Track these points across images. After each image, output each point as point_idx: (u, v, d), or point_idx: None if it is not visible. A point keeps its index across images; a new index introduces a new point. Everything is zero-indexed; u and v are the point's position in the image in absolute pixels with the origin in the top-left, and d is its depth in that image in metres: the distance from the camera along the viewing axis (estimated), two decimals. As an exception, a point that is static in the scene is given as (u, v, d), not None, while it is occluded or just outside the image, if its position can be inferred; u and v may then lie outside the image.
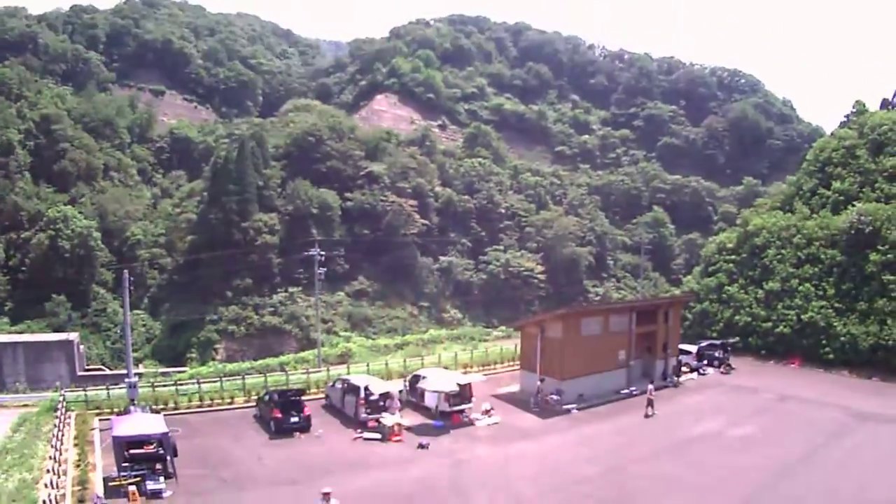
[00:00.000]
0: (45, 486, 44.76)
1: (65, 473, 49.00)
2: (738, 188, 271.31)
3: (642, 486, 51.02)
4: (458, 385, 69.52)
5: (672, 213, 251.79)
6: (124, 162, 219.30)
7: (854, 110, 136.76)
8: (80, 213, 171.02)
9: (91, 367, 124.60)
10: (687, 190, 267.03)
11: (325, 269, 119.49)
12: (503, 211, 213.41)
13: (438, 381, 70.25)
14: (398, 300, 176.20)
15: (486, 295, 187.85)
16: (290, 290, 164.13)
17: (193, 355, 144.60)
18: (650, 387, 74.28)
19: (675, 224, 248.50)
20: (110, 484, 47.24)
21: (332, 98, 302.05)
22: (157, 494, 46.80)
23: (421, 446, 59.84)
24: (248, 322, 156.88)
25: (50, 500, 40.89)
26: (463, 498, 48.89)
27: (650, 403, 71.51)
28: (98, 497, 44.42)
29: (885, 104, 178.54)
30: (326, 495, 38.09)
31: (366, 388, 67.52)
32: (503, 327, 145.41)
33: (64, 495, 44.48)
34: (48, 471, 46.43)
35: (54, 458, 49.50)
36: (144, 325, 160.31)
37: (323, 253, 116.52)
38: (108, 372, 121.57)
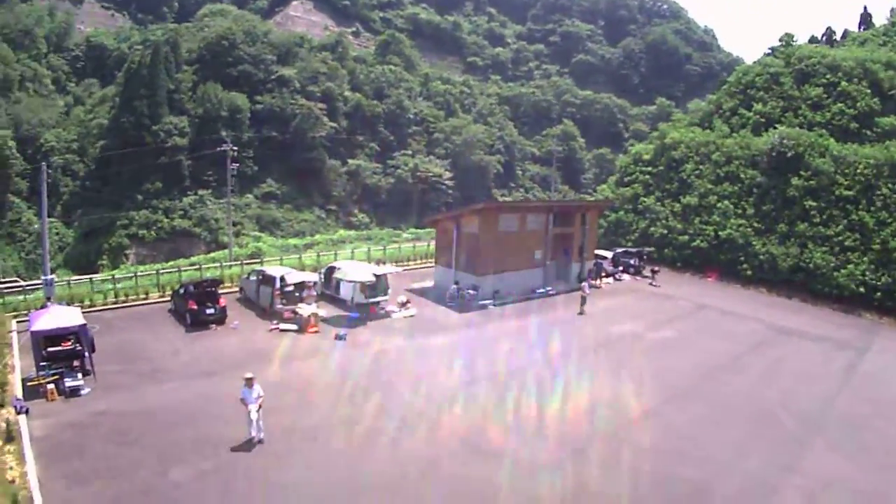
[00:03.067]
0: (-37, 392, 43.58)
1: None
2: (651, 108, 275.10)
3: (564, 381, 52.26)
4: (375, 276, 70.40)
5: (583, 129, 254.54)
6: (40, 72, 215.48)
7: (779, 45, 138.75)
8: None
9: (6, 279, 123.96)
10: (598, 106, 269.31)
11: (237, 164, 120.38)
12: (412, 116, 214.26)
13: (354, 272, 70.76)
14: (306, 203, 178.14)
15: (394, 199, 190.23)
16: (200, 192, 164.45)
17: (105, 262, 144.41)
18: (584, 284, 76.85)
19: (586, 139, 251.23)
20: (28, 384, 47.33)
21: (247, 4, 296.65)
22: (75, 392, 46.64)
23: (338, 337, 60.74)
24: (159, 226, 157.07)
25: None
26: (384, 386, 50.03)
27: (583, 301, 74.04)
28: (18, 399, 44.52)
29: (813, 41, 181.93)
30: (250, 380, 39.19)
31: (282, 279, 68.04)
32: (413, 229, 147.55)
33: None
34: None
35: None
36: (58, 234, 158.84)
37: (235, 148, 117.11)
38: (24, 284, 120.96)
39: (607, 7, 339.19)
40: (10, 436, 39.68)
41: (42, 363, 48.22)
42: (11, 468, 36.38)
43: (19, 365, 52.04)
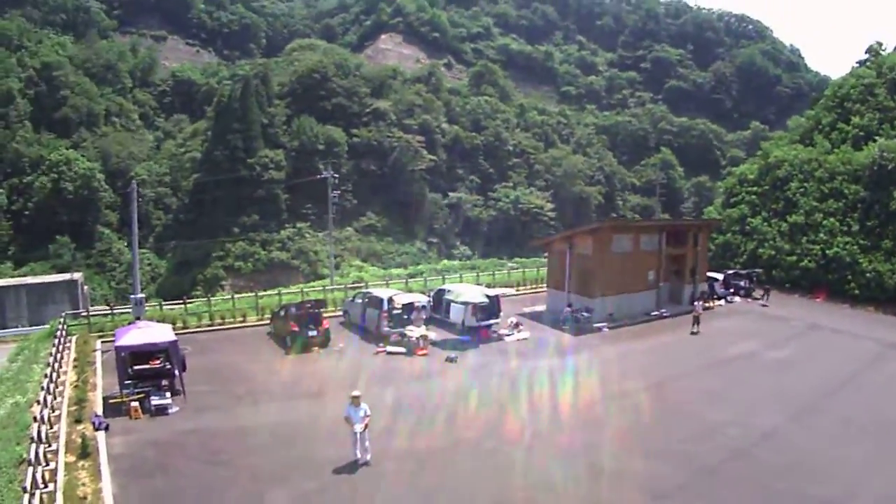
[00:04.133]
0: (38, 403, 41.76)
1: (61, 395, 46.24)
2: (746, 133, 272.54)
3: (686, 399, 49.89)
4: (487, 297, 67.15)
5: (680, 156, 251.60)
6: (126, 107, 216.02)
7: (868, 56, 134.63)
8: (82, 156, 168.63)
9: (96, 307, 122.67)
10: (694, 133, 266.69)
11: (338, 191, 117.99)
12: (511, 148, 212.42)
13: (466, 293, 67.97)
14: (407, 236, 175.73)
15: (495, 232, 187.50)
16: (298, 225, 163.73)
17: (199, 292, 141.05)
18: (697, 304, 73.91)
19: (684, 167, 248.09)
20: (111, 402, 44.80)
21: (336, 39, 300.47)
22: (162, 410, 43.96)
23: (449, 360, 57.64)
24: (256, 258, 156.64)
25: (42, 420, 37.83)
26: (501, 408, 46.99)
27: (696, 321, 70.78)
28: (97, 416, 41.99)
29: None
30: (356, 398, 36.48)
31: (389, 300, 64.85)
32: (517, 259, 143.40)
33: (59, 416, 42.13)
34: (42, 388, 42.79)
35: (50, 377, 45.75)
36: (150, 264, 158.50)
37: (336, 175, 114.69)
38: (113, 308, 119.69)
39: (694, 30, 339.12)
40: (86, 451, 37.47)
41: (127, 381, 45.40)
42: (84, 484, 34.22)
43: (101, 383, 49.88)
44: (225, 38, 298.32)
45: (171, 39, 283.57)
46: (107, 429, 40.36)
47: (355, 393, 36.92)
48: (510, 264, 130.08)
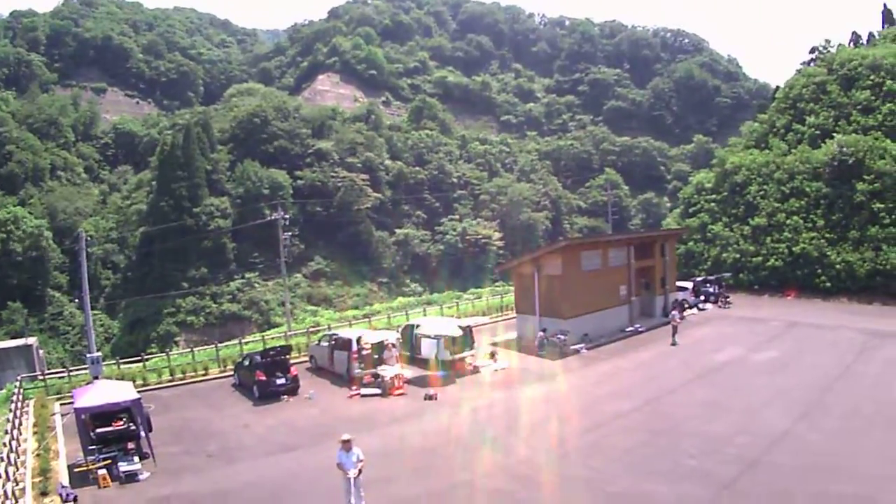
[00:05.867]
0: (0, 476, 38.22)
1: (24, 465, 43.62)
2: (689, 146, 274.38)
3: (688, 414, 48.06)
4: (461, 328, 64.99)
5: (625, 175, 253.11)
6: (70, 160, 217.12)
7: (813, 56, 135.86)
8: (29, 213, 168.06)
9: (52, 371, 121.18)
10: (637, 151, 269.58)
11: (289, 234, 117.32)
12: (455, 180, 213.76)
13: (438, 328, 65.89)
14: (357, 278, 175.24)
15: (445, 266, 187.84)
16: (248, 275, 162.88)
17: (154, 350, 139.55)
18: (674, 313, 73.42)
19: (629, 185, 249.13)
20: (76, 470, 41.36)
21: (273, 82, 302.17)
22: (132, 477, 40.40)
23: (429, 397, 55.35)
24: (207, 312, 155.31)
25: (6, 495, 35.15)
26: (494, 444, 44.26)
27: (675, 331, 70.57)
28: (63, 486, 38.66)
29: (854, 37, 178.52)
30: (347, 443, 33.26)
31: (358, 340, 62.47)
32: (473, 289, 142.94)
33: (24, 489, 38.70)
34: (2, 459, 39.46)
35: (9, 447, 42.73)
36: (102, 325, 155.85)
37: (287, 216, 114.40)
38: (69, 368, 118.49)
39: (630, 49, 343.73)
40: (55, 527, 34.75)
41: (91, 446, 42.23)
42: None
43: (65, 450, 46.77)
44: (164, 88, 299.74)
45: (111, 91, 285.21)
46: (75, 500, 37.90)
47: (345, 437, 33.61)
48: (466, 296, 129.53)
